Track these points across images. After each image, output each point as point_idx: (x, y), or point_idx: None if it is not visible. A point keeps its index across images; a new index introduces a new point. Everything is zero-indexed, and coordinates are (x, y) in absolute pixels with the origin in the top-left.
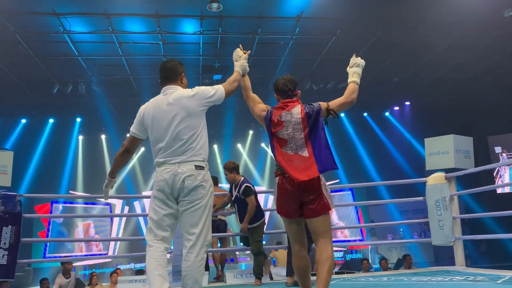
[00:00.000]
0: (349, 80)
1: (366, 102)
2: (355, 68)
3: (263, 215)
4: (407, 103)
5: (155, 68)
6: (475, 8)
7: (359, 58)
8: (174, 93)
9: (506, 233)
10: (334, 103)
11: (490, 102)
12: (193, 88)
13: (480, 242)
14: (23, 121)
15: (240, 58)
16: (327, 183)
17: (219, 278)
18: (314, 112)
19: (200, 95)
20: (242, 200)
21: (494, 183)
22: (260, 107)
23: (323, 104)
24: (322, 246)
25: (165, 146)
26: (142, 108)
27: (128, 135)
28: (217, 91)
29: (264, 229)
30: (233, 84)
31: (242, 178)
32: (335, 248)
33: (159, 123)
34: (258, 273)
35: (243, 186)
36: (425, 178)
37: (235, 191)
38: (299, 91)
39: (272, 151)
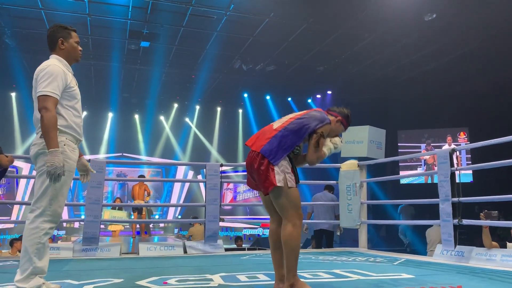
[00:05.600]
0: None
1: (292, 87)
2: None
3: None
4: (329, 92)
5: (78, 27)
6: (399, 8)
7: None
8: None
9: (404, 220)
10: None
11: (403, 99)
12: (45, 63)
13: (380, 227)
14: None
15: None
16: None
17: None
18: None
19: (36, 80)
20: None
21: (398, 174)
22: None
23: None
24: (281, 226)
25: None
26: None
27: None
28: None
29: None
30: None
31: None
32: (246, 226)
33: None
34: None
35: None
36: (339, 164)
37: None
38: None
39: None
